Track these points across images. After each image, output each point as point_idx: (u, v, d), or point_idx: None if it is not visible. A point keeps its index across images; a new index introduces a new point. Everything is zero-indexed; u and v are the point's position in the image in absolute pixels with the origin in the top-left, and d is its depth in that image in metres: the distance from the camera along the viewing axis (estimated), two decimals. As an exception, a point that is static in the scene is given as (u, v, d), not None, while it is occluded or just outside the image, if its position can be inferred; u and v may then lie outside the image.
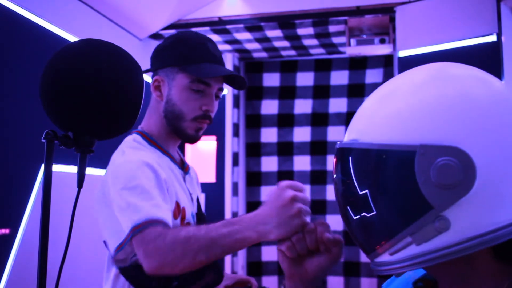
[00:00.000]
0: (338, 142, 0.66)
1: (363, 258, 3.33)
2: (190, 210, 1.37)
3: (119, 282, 1.26)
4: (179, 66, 1.33)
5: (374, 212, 0.61)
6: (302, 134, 3.51)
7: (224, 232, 0.99)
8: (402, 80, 0.66)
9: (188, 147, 3.37)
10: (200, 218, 1.42)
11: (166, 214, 1.14)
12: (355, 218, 0.63)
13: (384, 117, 0.61)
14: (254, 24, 2.79)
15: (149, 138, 1.38)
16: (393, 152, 0.59)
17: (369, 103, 0.66)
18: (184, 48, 1.34)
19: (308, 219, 0.86)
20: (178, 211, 1.30)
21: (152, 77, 1.37)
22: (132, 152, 1.30)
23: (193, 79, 1.33)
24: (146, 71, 1.35)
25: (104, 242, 1.29)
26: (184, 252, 1.02)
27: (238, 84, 1.43)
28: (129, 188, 1.18)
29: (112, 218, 1.21)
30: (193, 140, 1.42)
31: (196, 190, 1.51)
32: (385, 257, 0.61)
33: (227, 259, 3.21)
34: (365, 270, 3.33)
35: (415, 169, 0.56)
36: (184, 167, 1.46)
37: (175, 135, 1.40)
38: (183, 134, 1.39)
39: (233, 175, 3.30)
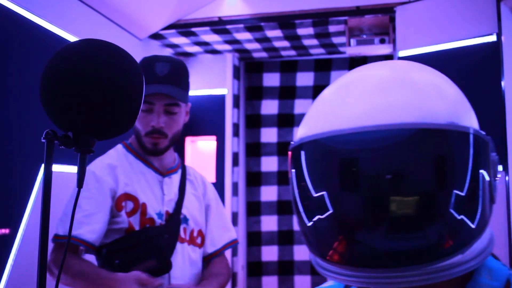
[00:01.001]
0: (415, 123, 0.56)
1: (363, 258, 3.34)
2: (156, 208, 1.62)
3: None
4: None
5: (480, 205, 0.57)
6: (302, 134, 3.51)
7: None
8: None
9: (188, 147, 3.37)
10: (172, 218, 1.63)
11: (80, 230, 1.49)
12: (444, 213, 0.56)
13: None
14: (254, 24, 2.79)
15: (128, 147, 1.68)
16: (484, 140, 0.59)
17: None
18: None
19: None
20: (137, 205, 1.57)
21: None
22: (98, 160, 1.62)
23: None
24: None
25: None
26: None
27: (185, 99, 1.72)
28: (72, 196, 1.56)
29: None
30: (153, 153, 1.64)
31: (189, 195, 1.72)
32: (457, 258, 0.57)
33: (227, 259, 3.21)
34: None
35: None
36: (164, 172, 1.70)
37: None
38: (144, 148, 1.63)
39: (233, 175, 3.30)
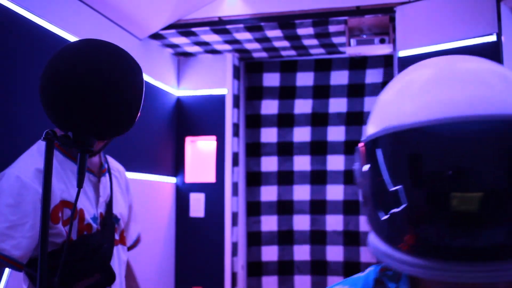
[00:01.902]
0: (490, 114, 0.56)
1: (363, 258, 3.34)
2: (91, 212, 1.47)
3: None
4: None
5: None
6: (302, 134, 3.51)
7: None
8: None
9: (188, 147, 3.37)
10: (106, 221, 1.51)
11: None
12: None
13: None
14: (254, 24, 2.79)
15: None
16: None
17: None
18: None
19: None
20: (75, 212, 1.37)
21: None
22: (22, 161, 1.43)
23: None
24: None
25: None
26: None
27: None
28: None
29: None
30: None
31: (116, 193, 1.61)
32: None
33: (227, 259, 3.21)
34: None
35: None
36: (98, 172, 1.55)
37: None
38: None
39: (233, 175, 3.30)
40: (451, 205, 0.57)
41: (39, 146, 1.47)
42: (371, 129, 0.67)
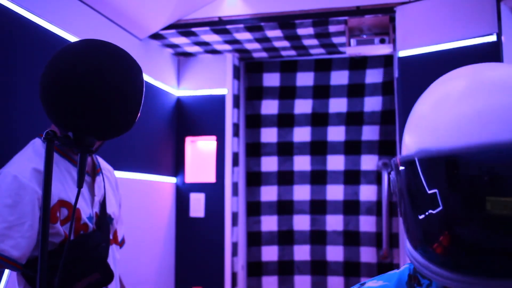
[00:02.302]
0: None
1: (363, 258, 3.34)
2: (87, 212, 1.48)
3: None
4: None
5: None
6: (302, 134, 3.51)
7: None
8: None
9: (188, 147, 3.37)
10: (101, 220, 1.53)
11: None
12: None
13: None
14: (254, 24, 2.79)
15: None
16: None
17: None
18: None
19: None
20: (71, 211, 1.40)
21: None
22: (19, 161, 1.42)
23: None
24: None
25: None
26: None
27: None
28: None
29: None
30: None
31: (108, 192, 1.62)
32: None
33: (227, 259, 3.21)
34: (365, 270, 3.33)
35: None
36: (92, 171, 1.56)
37: None
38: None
39: (233, 175, 3.30)
40: (486, 230, 0.59)
41: (35, 146, 1.46)
42: (408, 142, 0.69)
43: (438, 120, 0.64)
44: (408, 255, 0.70)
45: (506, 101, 0.60)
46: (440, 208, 0.61)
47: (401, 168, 0.68)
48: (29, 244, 1.32)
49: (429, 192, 0.62)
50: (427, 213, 0.63)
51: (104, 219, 1.55)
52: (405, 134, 0.71)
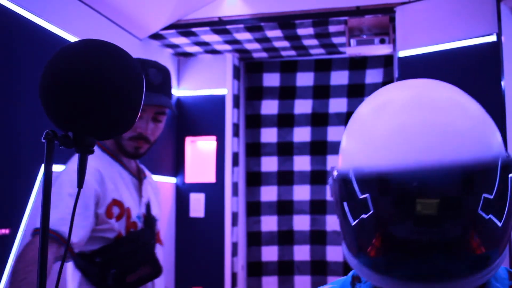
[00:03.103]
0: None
1: (363, 258, 3.33)
2: (136, 211, 1.63)
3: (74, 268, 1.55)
4: None
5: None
6: (302, 134, 3.51)
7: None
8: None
9: (188, 147, 3.37)
10: (148, 220, 1.68)
11: (63, 227, 1.39)
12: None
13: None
14: (254, 24, 2.79)
15: (102, 146, 1.64)
16: None
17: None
18: None
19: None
20: (122, 210, 1.56)
21: None
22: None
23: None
24: None
25: None
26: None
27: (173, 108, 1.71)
28: (56, 193, 1.40)
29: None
30: (133, 156, 1.65)
31: (151, 196, 1.77)
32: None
33: (227, 259, 3.21)
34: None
35: None
36: (139, 176, 1.73)
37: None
38: (123, 150, 1.63)
39: (233, 175, 3.30)
40: (406, 245, 0.68)
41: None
42: (345, 153, 0.75)
43: (371, 135, 0.70)
44: (347, 259, 0.76)
45: (439, 120, 0.67)
46: (372, 211, 0.68)
47: (336, 178, 0.75)
48: (84, 234, 1.45)
49: (361, 197, 0.69)
50: (359, 219, 0.70)
51: (150, 219, 1.69)
52: (343, 140, 0.77)
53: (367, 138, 0.71)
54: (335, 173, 0.76)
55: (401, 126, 0.68)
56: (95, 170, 1.53)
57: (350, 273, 0.88)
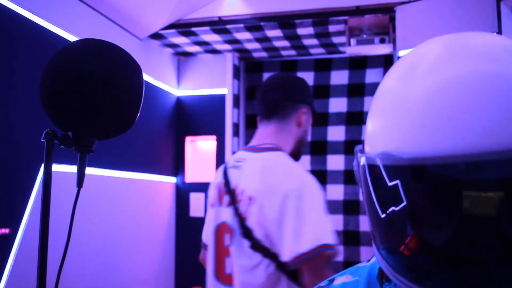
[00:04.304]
0: None
1: (363, 257, 3.33)
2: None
3: (278, 276, 1.43)
4: (310, 106, 1.68)
5: None
6: (302, 134, 3.51)
7: None
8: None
9: (188, 146, 3.37)
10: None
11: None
12: None
13: None
14: (254, 24, 2.79)
15: (291, 151, 1.62)
16: None
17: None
18: (309, 91, 1.70)
19: None
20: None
21: (297, 106, 1.65)
22: (300, 171, 1.50)
23: (314, 117, 1.72)
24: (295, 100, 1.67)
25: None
26: None
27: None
28: (320, 207, 1.41)
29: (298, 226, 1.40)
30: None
31: None
32: None
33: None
34: (365, 270, 3.33)
35: None
36: None
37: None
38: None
39: (233, 175, 3.29)
40: (447, 255, 0.51)
41: (283, 153, 1.58)
42: (371, 135, 0.60)
43: (400, 107, 0.54)
44: (376, 257, 0.62)
45: (495, 72, 0.49)
46: (404, 203, 0.53)
47: (362, 164, 0.60)
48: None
49: (390, 185, 0.53)
50: (389, 211, 0.55)
51: None
52: (367, 123, 0.62)
53: (395, 113, 0.54)
54: (362, 160, 0.60)
55: (441, 87, 0.50)
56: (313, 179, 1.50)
57: (376, 263, 0.70)
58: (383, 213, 0.56)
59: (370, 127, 0.60)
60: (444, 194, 0.49)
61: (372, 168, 0.57)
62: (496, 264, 0.49)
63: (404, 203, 0.52)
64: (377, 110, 0.59)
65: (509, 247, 0.48)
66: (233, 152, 3.31)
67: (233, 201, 1.52)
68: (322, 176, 3.46)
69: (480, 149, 0.46)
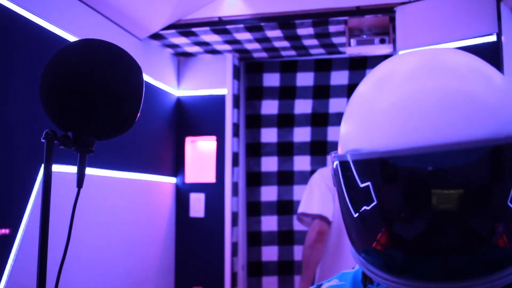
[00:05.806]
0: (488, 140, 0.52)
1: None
2: None
3: None
4: None
5: None
6: (302, 134, 3.51)
7: None
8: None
9: (188, 147, 3.37)
10: None
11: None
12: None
13: None
14: (254, 24, 2.79)
15: None
16: None
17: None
18: None
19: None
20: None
21: None
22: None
23: None
24: None
25: None
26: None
27: None
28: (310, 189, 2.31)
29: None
30: None
31: None
32: None
33: (227, 259, 3.21)
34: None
35: None
36: None
37: None
38: None
39: (233, 175, 3.30)
40: (415, 239, 0.56)
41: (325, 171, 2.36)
42: (343, 134, 0.65)
43: (371, 111, 0.59)
44: (353, 256, 0.67)
45: (457, 88, 0.55)
46: (375, 202, 0.58)
47: (335, 164, 0.65)
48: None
49: (362, 186, 0.59)
50: (361, 210, 0.60)
51: None
52: (341, 126, 0.67)
53: (366, 115, 0.60)
54: (334, 163, 0.65)
55: (409, 96, 0.56)
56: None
57: (360, 268, 0.76)
58: (355, 212, 0.61)
59: (343, 130, 0.66)
60: (410, 185, 0.55)
61: (343, 165, 0.62)
62: (458, 250, 0.54)
63: (375, 201, 0.58)
64: (350, 114, 0.65)
65: (471, 233, 0.54)
66: (233, 152, 3.31)
67: None
68: (322, 176, 3.46)
69: (430, 143, 0.53)
